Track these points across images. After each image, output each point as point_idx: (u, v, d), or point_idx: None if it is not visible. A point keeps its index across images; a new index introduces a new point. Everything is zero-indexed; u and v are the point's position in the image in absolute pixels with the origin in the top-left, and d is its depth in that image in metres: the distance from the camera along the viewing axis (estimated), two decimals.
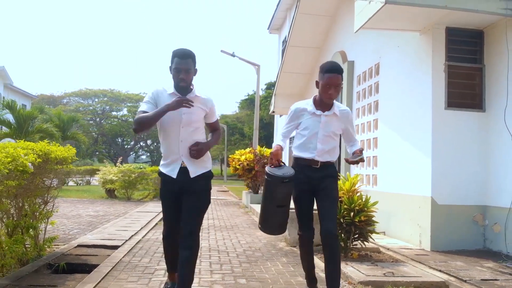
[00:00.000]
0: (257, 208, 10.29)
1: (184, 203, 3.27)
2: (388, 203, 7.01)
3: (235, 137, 44.46)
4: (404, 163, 6.74)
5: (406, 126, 6.72)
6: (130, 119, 56.50)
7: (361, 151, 3.50)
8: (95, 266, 4.42)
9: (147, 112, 3.17)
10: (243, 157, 12.46)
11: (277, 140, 3.60)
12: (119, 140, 59.78)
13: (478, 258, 5.32)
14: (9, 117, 15.67)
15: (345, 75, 9.40)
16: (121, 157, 19.01)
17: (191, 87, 3.30)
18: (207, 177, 3.37)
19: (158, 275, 4.22)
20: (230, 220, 9.02)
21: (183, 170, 3.27)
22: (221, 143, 43.89)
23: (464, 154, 6.02)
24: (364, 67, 8.66)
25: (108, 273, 4.16)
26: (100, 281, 3.84)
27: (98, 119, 55.66)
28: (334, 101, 3.54)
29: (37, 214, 4.60)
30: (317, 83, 3.49)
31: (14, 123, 15.32)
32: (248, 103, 43.79)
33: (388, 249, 5.84)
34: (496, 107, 5.90)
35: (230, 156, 13.71)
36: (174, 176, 3.27)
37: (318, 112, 3.50)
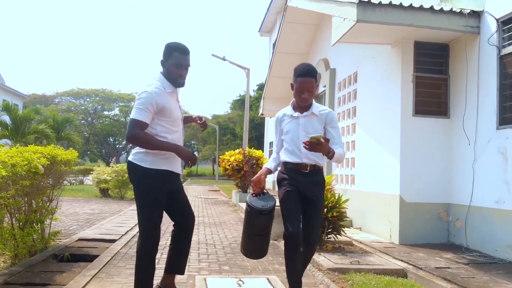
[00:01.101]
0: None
1: (178, 198, 3.42)
2: (364, 201, 7.65)
3: (226, 137, 45.06)
4: (377, 164, 7.36)
5: (379, 130, 7.35)
6: (122, 119, 56.75)
7: (324, 138, 3.22)
8: (96, 256, 4.98)
9: (145, 123, 3.05)
10: (232, 158, 13.03)
11: (269, 160, 3.64)
12: (111, 139, 59.98)
13: (440, 251, 5.94)
14: (6, 118, 16.14)
15: (327, 81, 10.04)
16: (114, 157, 19.42)
17: None
18: None
19: None
20: (219, 217, 9.59)
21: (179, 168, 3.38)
22: (213, 143, 44.54)
23: (429, 156, 6.64)
24: (344, 75, 9.29)
25: (108, 261, 4.73)
26: (102, 268, 4.41)
27: (90, 119, 55.67)
28: (314, 102, 3.52)
29: (44, 210, 5.14)
30: (292, 85, 3.47)
31: (11, 124, 15.82)
32: (240, 103, 44.35)
33: (360, 242, 6.46)
34: (459, 114, 6.53)
35: (220, 157, 14.27)
36: (181, 171, 3.37)
37: (296, 114, 3.45)
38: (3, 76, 48.94)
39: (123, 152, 60.63)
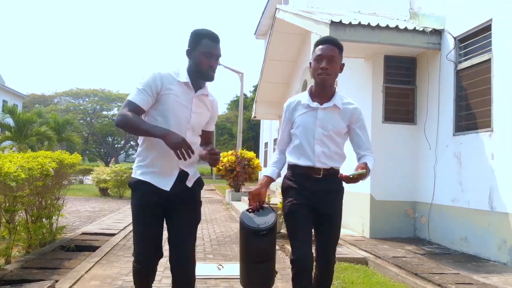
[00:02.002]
0: (237, 205, 11.62)
1: (177, 218, 2.66)
2: (345, 200, 8.37)
3: (224, 137, 45.71)
4: (352, 166, 8.07)
5: None
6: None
7: (365, 166, 2.74)
8: (98, 247, 5.70)
9: (138, 105, 2.51)
10: (225, 159, 13.76)
11: (269, 165, 2.95)
12: (110, 139, 60.28)
13: (404, 243, 6.66)
14: (9, 121, 16.86)
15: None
16: (113, 158, 20.17)
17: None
18: (200, 184, 2.80)
19: None
20: (211, 215, 10.33)
21: (178, 179, 2.65)
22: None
23: (397, 159, 7.37)
24: None
25: (108, 251, 5.45)
26: (103, 256, 5.14)
27: (88, 119, 55.97)
28: (338, 92, 2.87)
29: (52, 208, 5.86)
30: (310, 64, 2.84)
31: (14, 127, 16.55)
32: (237, 104, 44.82)
33: None
34: (424, 121, 7.26)
35: None
36: (168, 188, 2.61)
37: (315, 104, 2.77)
38: (3, 77, 49.51)
39: (121, 152, 60.94)
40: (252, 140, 39.19)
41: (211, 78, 2.66)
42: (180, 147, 2.37)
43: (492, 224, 5.60)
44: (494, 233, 5.55)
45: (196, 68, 2.63)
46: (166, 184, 2.61)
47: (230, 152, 14.40)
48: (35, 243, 5.32)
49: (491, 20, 5.80)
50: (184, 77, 2.61)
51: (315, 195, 2.76)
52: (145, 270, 2.72)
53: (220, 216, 10.03)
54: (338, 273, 4.65)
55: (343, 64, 2.86)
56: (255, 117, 16.34)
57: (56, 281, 3.99)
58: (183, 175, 2.66)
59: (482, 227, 5.78)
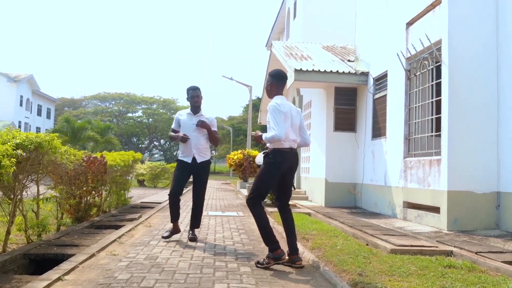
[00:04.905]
0: (243, 191, 15.57)
1: (194, 178, 5.87)
2: (313, 182, 12.26)
3: (239, 138, 49.67)
4: (317, 160, 11.96)
5: (317, 139, 11.96)
6: (144, 120, 60.93)
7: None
8: (153, 207, 9.70)
9: (174, 129, 5.85)
10: (235, 157, 17.77)
11: None
12: (135, 139, 63.76)
13: (343, 209, 10.46)
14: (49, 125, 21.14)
15: (297, 103, 14.68)
16: (148, 157, 24.32)
17: (200, 109, 5.81)
18: (208, 162, 5.92)
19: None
20: (223, 197, 14.31)
21: (193, 159, 5.70)
22: (227, 143, 49.39)
23: (343, 155, 11.20)
24: (306, 100, 13.91)
25: (160, 209, 9.45)
26: (158, 210, 9.14)
27: (115, 120, 59.39)
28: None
29: (126, 184, 9.89)
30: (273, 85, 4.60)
31: (70, 132, 20.82)
32: (252, 106, 48.77)
33: (302, 205, 11.06)
34: (361, 130, 11.07)
35: (227, 156, 19.01)
36: (190, 161, 5.71)
37: None
38: (38, 83, 54.12)
39: (146, 151, 64.24)
40: None
41: (196, 109, 5.86)
42: (180, 139, 5.68)
43: (385, 193, 9.42)
44: (386, 199, 9.37)
45: (190, 105, 5.91)
46: (188, 160, 5.82)
47: (239, 151, 18.39)
48: (120, 203, 9.37)
49: (387, 70, 9.61)
50: (190, 111, 5.91)
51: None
52: (174, 195, 5.77)
53: (230, 197, 14.02)
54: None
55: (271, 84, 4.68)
56: (260, 123, 20.26)
57: (140, 216, 7.99)
58: (195, 157, 5.79)
59: (381, 196, 9.60)
